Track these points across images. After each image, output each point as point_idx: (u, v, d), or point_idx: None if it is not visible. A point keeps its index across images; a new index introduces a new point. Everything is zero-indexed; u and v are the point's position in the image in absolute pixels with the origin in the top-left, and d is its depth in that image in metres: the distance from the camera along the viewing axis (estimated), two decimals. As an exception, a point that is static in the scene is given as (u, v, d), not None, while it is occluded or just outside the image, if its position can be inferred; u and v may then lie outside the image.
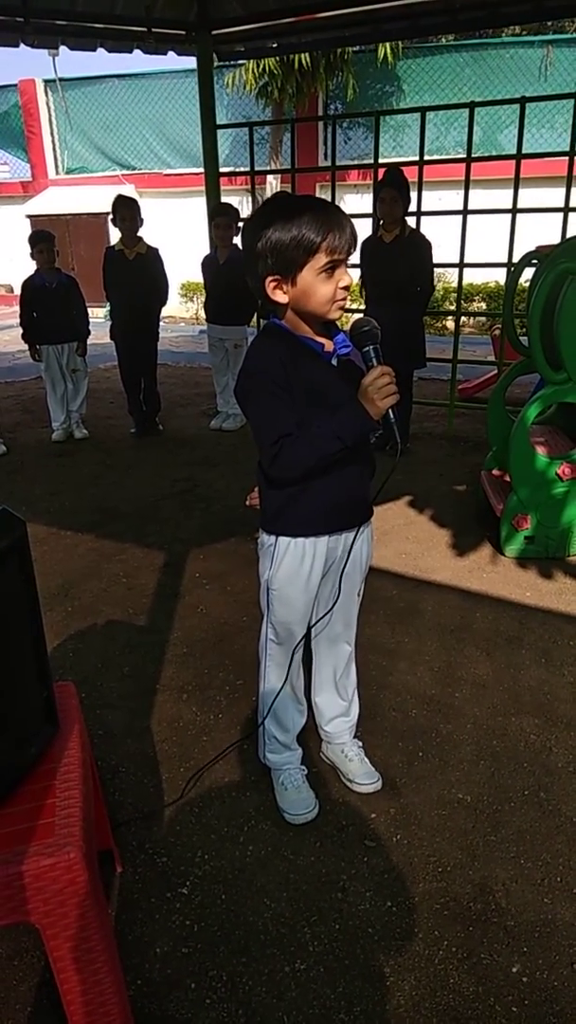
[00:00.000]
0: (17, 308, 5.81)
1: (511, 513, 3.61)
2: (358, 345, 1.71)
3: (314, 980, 1.67)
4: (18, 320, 5.74)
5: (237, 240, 5.73)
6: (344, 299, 1.71)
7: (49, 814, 1.38)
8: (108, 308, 5.76)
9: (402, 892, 1.88)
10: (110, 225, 5.88)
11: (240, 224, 5.71)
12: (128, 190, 14.08)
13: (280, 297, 1.69)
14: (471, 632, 3.05)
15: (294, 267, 1.63)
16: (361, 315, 1.74)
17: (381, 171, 5.43)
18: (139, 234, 5.56)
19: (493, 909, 1.83)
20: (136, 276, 5.56)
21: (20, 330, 5.73)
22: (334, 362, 1.79)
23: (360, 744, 2.30)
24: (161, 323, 6.00)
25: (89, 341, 5.91)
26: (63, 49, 6.22)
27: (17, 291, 5.77)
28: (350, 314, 6.03)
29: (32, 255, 5.51)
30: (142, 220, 5.56)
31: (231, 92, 13.14)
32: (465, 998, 1.62)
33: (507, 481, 3.72)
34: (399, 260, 4.92)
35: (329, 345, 1.79)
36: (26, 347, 5.77)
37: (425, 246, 4.98)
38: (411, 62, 12.85)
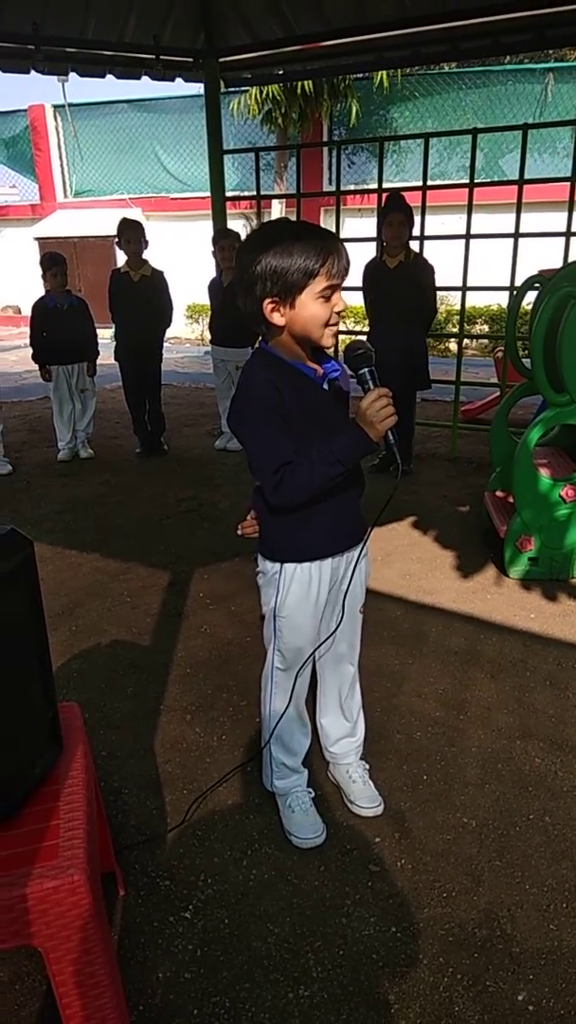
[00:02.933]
0: (25, 329, 5.86)
1: (515, 535, 3.61)
2: (353, 368, 1.72)
3: (317, 1007, 1.65)
4: (28, 341, 5.79)
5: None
6: (337, 324, 1.74)
7: (53, 836, 1.38)
8: (113, 330, 5.80)
9: (407, 918, 1.86)
10: (116, 248, 5.95)
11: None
12: (135, 213, 14.25)
13: (277, 320, 1.71)
14: (476, 654, 3.04)
15: (294, 291, 1.66)
16: (355, 338, 1.76)
17: (385, 196, 5.49)
18: (144, 257, 5.62)
19: (499, 935, 1.81)
20: (141, 298, 5.62)
21: (28, 351, 5.78)
22: (325, 386, 1.81)
23: (366, 766, 2.28)
24: (167, 344, 6.05)
25: (97, 362, 5.96)
26: (72, 75, 6.32)
27: (25, 312, 5.81)
28: (350, 335, 6.06)
29: (45, 278, 5.58)
30: (147, 243, 5.63)
31: (236, 118, 13.32)
32: (470, 1026, 1.61)
33: (510, 502, 3.73)
34: (403, 284, 4.96)
35: (319, 371, 1.82)
36: (32, 367, 5.83)
37: (429, 270, 5.03)
38: (414, 88, 13.03)
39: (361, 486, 1.96)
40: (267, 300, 1.69)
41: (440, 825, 2.16)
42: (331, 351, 1.92)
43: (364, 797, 2.20)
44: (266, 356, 1.80)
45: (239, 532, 2.05)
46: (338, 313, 1.71)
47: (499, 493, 4.15)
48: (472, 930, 1.83)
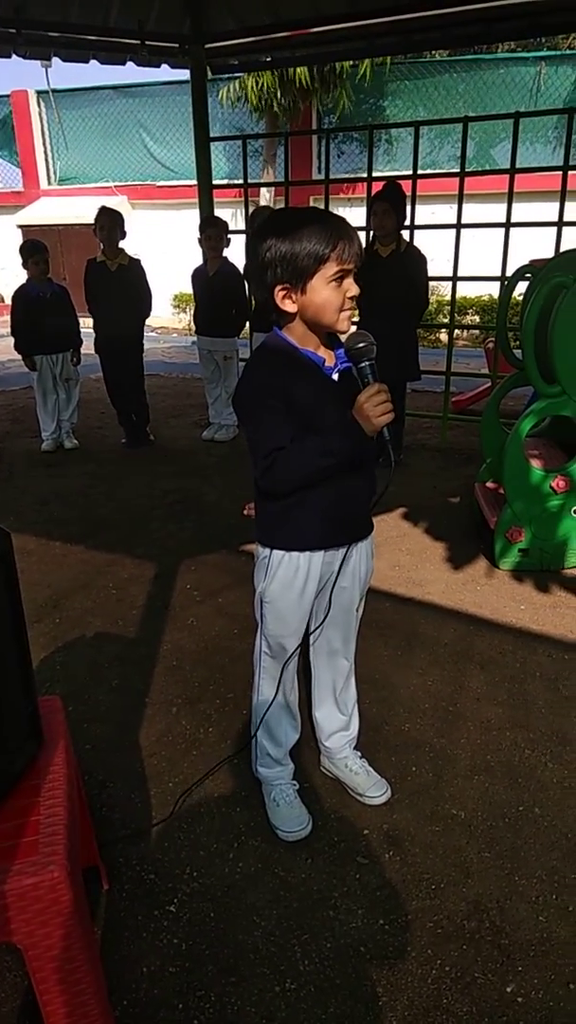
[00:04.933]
0: (7, 318, 5.79)
1: (505, 526, 3.60)
2: (354, 361, 1.71)
3: (304, 1000, 1.63)
4: (10, 330, 5.71)
5: (227, 252, 5.73)
6: (351, 309, 1.72)
7: (33, 832, 1.35)
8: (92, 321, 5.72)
9: (395, 910, 1.85)
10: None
11: (229, 236, 5.71)
12: (120, 201, 14.14)
13: (289, 306, 1.69)
14: (465, 646, 3.03)
15: (305, 276, 1.64)
16: (356, 330, 1.73)
17: (375, 185, 5.45)
18: (121, 245, 5.54)
19: (487, 927, 1.80)
20: (119, 287, 5.53)
21: (11, 340, 5.71)
22: (335, 376, 1.78)
23: (361, 756, 2.27)
24: (154, 334, 6.00)
25: (81, 352, 5.90)
26: (56, 60, 6.23)
27: (7, 301, 5.74)
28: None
29: (26, 266, 5.49)
30: (125, 232, 5.54)
31: (225, 105, 13.21)
32: (458, 1019, 1.59)
33: (501, 493, 3.71)
34: (395, 274, 4.92)
35: (331, 359, 1.78)
36: (15, 356, 5.75)
37: (421, 260, 4.99)
38: (405, 76, 12.96)
39: (369, 484, 1.91)
40: (279, 286, 1.67)
41: (429, 816, 2.14)
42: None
43: (371, 786, 2.19)
44: (276, 341, 1.78)
45: (244, 512, 2.04)
46: (351, 298, 1.69)
47: (490, 484, 4.13)
48: (461, 922, 1.81)
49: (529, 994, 1.64)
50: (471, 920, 1.82)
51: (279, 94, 12.50)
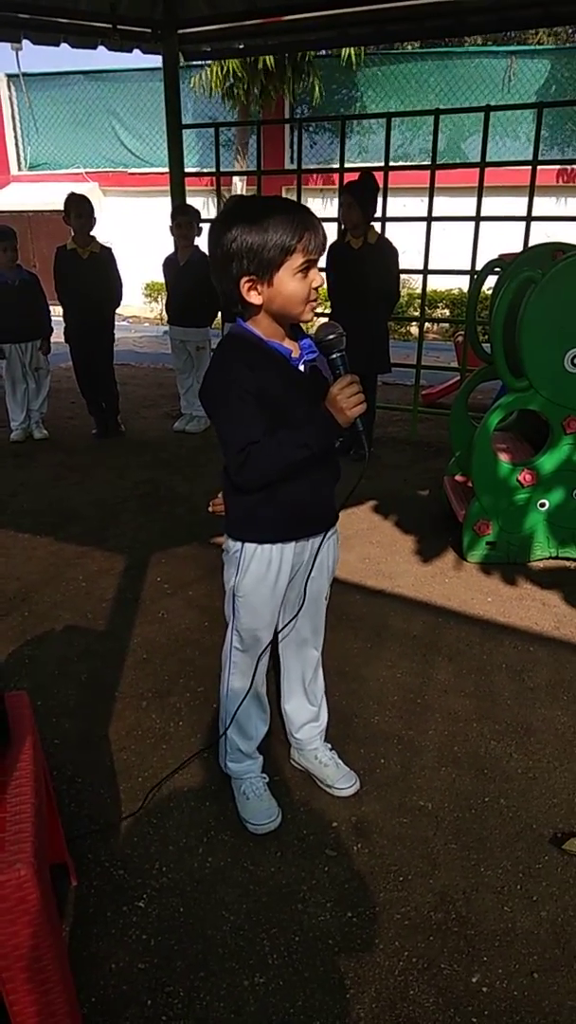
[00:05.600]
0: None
1: (473, 519, 3.63)
2: (324, 352, 1.71)
3: (273, 994, 1.64)
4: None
5: (198, 241, 5.69)
6: (316, 300, 1.72)
7: (-1, 830, 1.33)
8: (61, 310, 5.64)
9: (363, 902, 1.86)
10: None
11: (202, 225, 5.66)
12: (91, 188, 13.95)
13: (255, 298, 1.68)
14: (434, 638, 3.05)
15: (271, 267, 1.62)
16: (326, 320, 1.73)
17: (347, 176, 5.44)
18: (92, 233, 5.47)
19: (454, 918, 1.82)
20: (90, 276, 5.46)
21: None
22: (301, 367, 1.78)
23: (331, 747, 2.28)
24: (125, 323, 5.94)
25: (51, 340, 5.82)
26: (27, 44, 6.11)
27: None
28: (317, 318, 6.02)
29: (-7, 252, 5.40)
30: (95, 219, 5.48)
31: (197, 93, 13.08)
32: (425, 1009, 1.61)
33: (469, 487, 3.74)
34: (366, 266, 4.92)
35: (296, 350, 1.78)
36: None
37: (392, 253, 4.99)
38: (377, 68, 12.94)
39: (335, 473, 1.93)
40: (244, 278, 1.65)
41: (397, 808, 2.16)
42: (307, 327, 1.88)
43: (340, 778, 2.20)
44: (243, 333, 1.76)
45: (209, 509, 2.03)
46: (316, 288, 1.69)
47: (458, 477, 4.16)
48: (428, 913, 1.83)
49: (494, 984, 1.67)
50: (438, 911, 1.84)
51: (245, 83, 12.40)
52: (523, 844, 2.04)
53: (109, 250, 5.59)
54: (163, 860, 1.98)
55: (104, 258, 5.54)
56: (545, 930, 1.79)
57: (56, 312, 5.58)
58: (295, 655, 2.16)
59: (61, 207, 5.45)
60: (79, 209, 5.36)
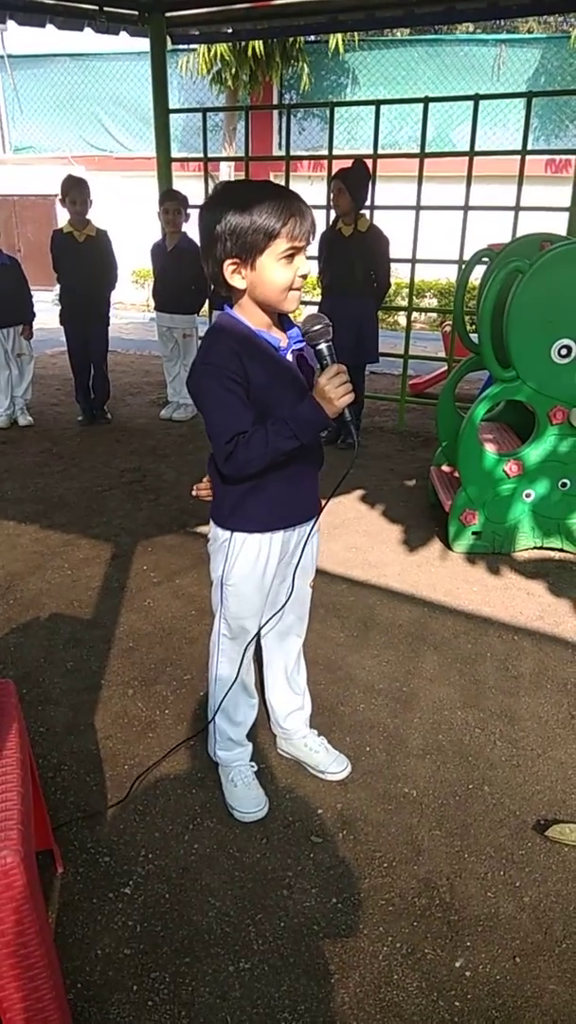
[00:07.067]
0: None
1: (459, 509, 3.64)
2: (311, 342, 1.70)
3: (258, 979, 1.65)
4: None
5: (186, 227, 5.65)
6: (300, 288, 1.70)
7: (-15, 818, 1.33)
8: (57, 292, 5.61)
9: (348, 888, 1.88)
10: (58, 206, 5.73)
11: (189, 211, 5.62)
12: (78, 172, 13.79)
13: (238, 282, 1.67)
14: (420, 627, 3.07)
15: (254, 251, 1.61)
16: (313, 311, 1.72)
17: (336, 163, 5.41)
18: (87, 216, 5.43)
19: (437, 904, 1.84)
20: (87, 259, 5.45)
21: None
22: (289, 357, 1.77)
23: (318, 733, 2.29)
24: (113, 308, 5.89)
25: (36, 326, 5.78)
26: (12, 25, 6.02)
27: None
28: (304, 307, 6.01)
29: (-25, 237, 5.35)
30: (92, 202, 5.44)
31: (184, 77, 12.96)
32: (409, 994, 1.63)
33: (456, 477, 3.75)
34: (356, 254, 4.90)
35: (284, 340, 1.77)
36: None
37: (383, 241, 4.98)
38: (366, 55, 12.87)
39: (319, 462, 1.94)
40: (228, 261, 1.64)
41: (382, 796, 2.17)
42: (294, 316, 1.87)
43: (332, 762, 2.22)
44: (229, 320, 1.75)
45: (193, 493, 2.02)
46: (302, 277, 1.67)
47: (445, 468, 4.17)
48: (412, 899, 1.85)
49: (477, 968, 1.69)
50: (422, 897, 1.86)
51: (233, 68, 12.30)
52: (507, 831, 2.06)
53: (105, 233, 5.56)
54: (149, 847, 1.98)
55: (100, 241, 5.51)
56: (528, 915, 1.81)
57: (44, 298, 5.53)
58: (278, 644, 2.17)
59: (47, 191, 5.41)
60: (76, 193, 5.32)
